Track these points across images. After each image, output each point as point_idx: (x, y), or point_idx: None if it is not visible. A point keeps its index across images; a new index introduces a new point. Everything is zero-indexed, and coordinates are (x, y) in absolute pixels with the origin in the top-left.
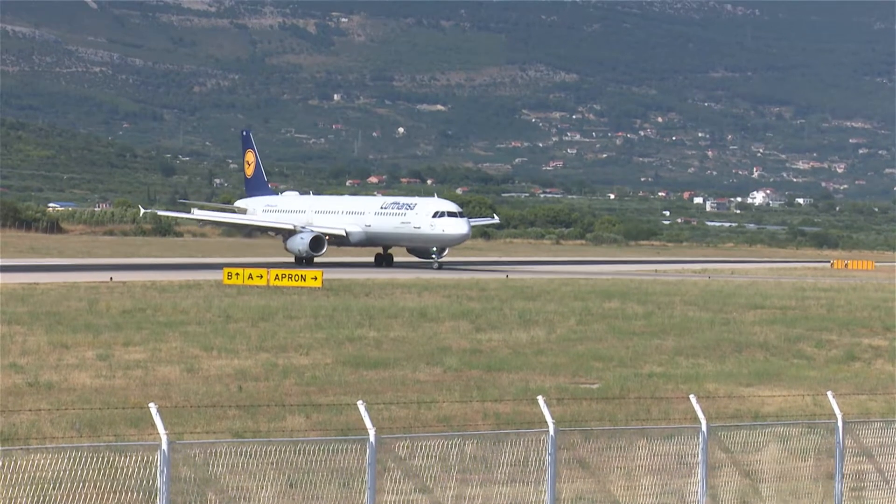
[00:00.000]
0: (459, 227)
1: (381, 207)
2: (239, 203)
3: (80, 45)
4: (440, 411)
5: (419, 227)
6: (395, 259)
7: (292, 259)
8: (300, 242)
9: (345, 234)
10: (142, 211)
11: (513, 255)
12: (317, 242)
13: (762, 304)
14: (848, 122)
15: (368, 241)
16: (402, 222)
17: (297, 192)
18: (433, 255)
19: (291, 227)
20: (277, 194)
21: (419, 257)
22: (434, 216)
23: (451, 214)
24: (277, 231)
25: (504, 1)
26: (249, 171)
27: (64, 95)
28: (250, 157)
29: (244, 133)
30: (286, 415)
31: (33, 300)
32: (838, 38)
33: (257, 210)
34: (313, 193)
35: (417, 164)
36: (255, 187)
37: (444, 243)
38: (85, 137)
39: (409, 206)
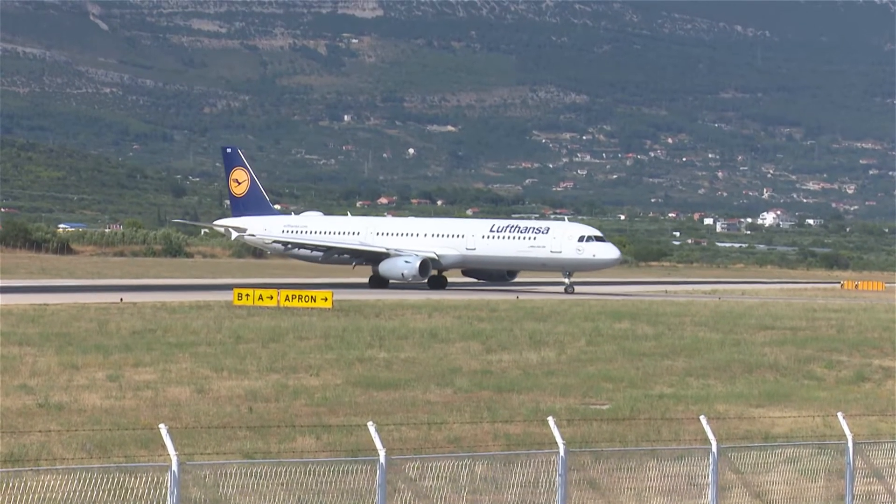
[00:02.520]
0: (611, 251)
1: (493, 230)
2: (229, 222)
3: (90, 65)
4: (450, 432)
5: (559, 252)
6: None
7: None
8: (405, 266)
9: (436, 258)
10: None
11: (528, 276)
12: (424, 267)
13: (772, 325)
14: (858, 142)
15: (466, 264)
16: (532, 246)
17: (320, 213)
18: (566, 279)
19: (384, 250)
20: (282, 214)
21: (481, 278)
22: (580, 240)
23: (597, 239)
24: (363, 255)
25: (514, 22)
26: (240, 189)
27: (74, 116)
28: (241, 174)
29: (228, 150)
30: (296, 436)
31: (43, 321)
32: (848, 59)
33: (272, 230)
34: (322, 214)
35: (428, 184)
36: (250, 206)
37: (595, 268)
38: (95, 158)
39: (540, 230)
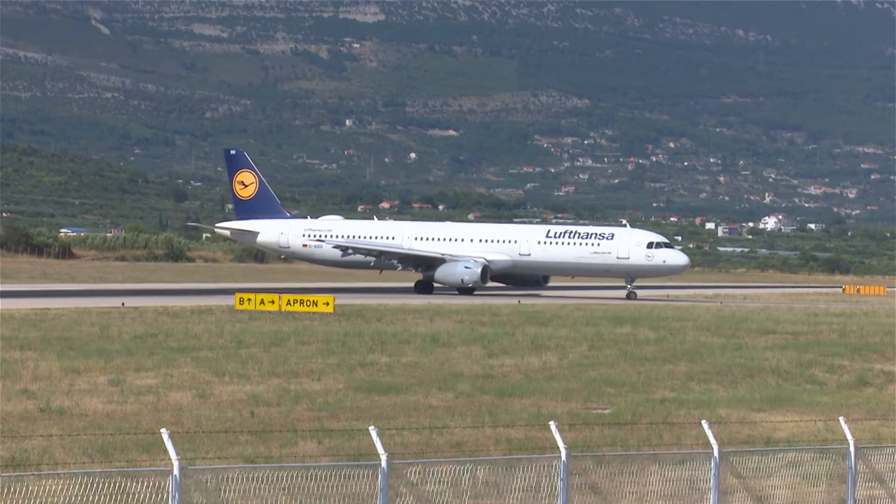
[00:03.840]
0: (681, 257)
1: (549, 236)
2: (235, 225)
3: (92, 70)
4: (452, 437)
5: (627, 258)
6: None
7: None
8: (465, 272)
9: (486, 262)
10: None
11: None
12: (485, 272)
13: (774, 330)
14: (860, 147)
15: (517, 269)
16: (596, 252)
17: (340, 217)
18: (628, 285)
19: (440, 255)
20: (293, 217)
21: (521, 286)
22: (649, 246)
23: (666, 245)
24: (415, 259)
25: (516, 27)
26: (247, 192)
27: (76, 121)
28: (248, 177)
29: (232, 152)
30: (298, 440)
31: (45, 325)
32: (850, 63)
33: (289, 235)
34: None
35: (429, 189)
36: (258, 209)
37: (664, 274)
38: (97, 163)
39: (604, 236)
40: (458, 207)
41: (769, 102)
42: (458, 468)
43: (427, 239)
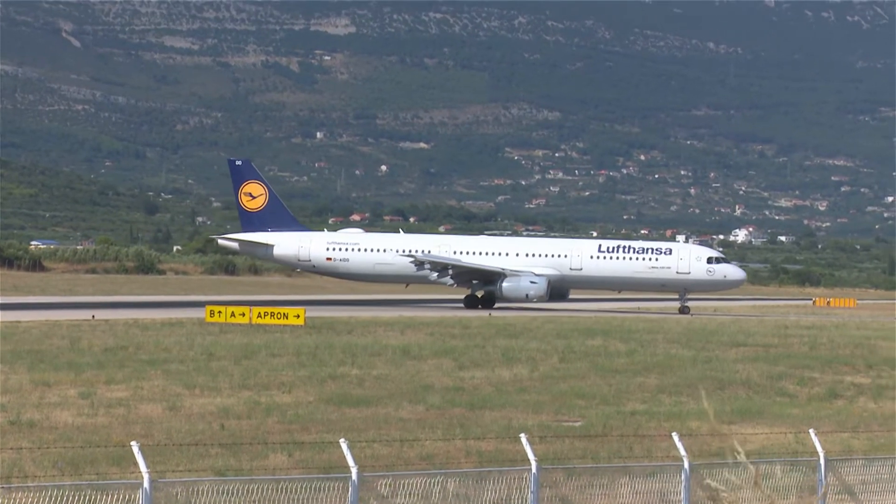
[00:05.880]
0: (739, 272)
1: (601, 250)
2: (245, 237)
3: (62, 82)
4: (423, 449)
5: (687, 273)
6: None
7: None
8: (530, 287)
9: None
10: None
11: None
12: (549, 287)
13: (745, 342)
14: (830, 160)
15: (566, 284)
16: (654, 267)
17: (360, 230)
18: (681, 298)
19: (500, 269)
20: (309, 230)
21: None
22: (710, 262)
23: (724, 260)
24: (475, 273)
25: (487, 39)
26: (256, 203)
27: (46, 133)
28: (256, 188)
29: (238, 163)
30: (268, 453)
31: (15, 338)
32: (821, 76)
33: (310, 248)
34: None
35: (400, 201)
36: (268, 221)
37: (723, 288)
38: (67, 175)
39: (662, 251)
40: (429, 220)
41: (740, 115)
42: (428, 481)
43: (471, 252)
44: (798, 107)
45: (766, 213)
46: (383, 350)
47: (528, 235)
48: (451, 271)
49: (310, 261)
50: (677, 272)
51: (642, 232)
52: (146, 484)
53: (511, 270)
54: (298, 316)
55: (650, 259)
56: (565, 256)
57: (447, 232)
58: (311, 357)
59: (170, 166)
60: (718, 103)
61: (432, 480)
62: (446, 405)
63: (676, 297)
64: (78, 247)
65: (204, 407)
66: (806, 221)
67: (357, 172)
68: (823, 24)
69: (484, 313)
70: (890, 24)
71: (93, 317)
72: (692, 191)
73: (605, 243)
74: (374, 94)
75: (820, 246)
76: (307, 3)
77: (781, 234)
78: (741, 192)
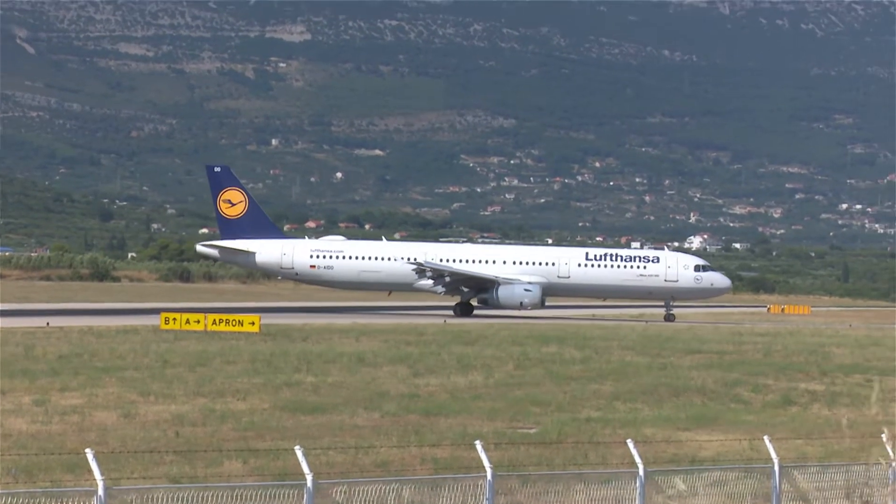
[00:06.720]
0: (725, 280)
1: (589, 258)
2: (225, 244)
3: (17, 89)
4: (378, 456)
5: (675, 281)
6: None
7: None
8: (525, 294)
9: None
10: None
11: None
12: (543, 295)
13: (699, 349)
14: (784, 167)
15: (553, 292)
16: (643, 275)
17: (343, 238)
18: (666, 306)
19: (494, 277)
20: (288, 237)
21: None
22: (697, 270)
23: (710, 269)
24: (472, 281)
25: (442, 46)
26: (235, 210)
27: (0, 140)
28: (235, 195)
29: (217, 169)
30: (223, 460)
31: None
32: (775, 83)
33: (293, 255)
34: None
35: (356, 208)
36: (248, 228)
37: (710, 296)
38: (22, 182)
39: (649, 259)
40: (384, 227)
41: (694, 122)
42: (384, 488)
43: (457, 260)
44: (752, 114)
45: (721, 220)
46: (338, 357)
47: (483, 243)
48: (447, 279)
49: (293, 268)
50: (665, 280)
51: (598, 239)
52: (101, 491)
53: (504, 278)
54: (253, 323)
55: (638, 267)
56: (552, 264)
57: (402, 239)
58: (266, 364)
59: (125, 173)
60: (673, 110)
61: (387, 487)
62: (401, 412)
63: (661, 304)
64: (32, 254)
65: (159, 414)
66: (760, 228)
67: (312, 179)
68: (778, 32)
69: (439, 321)
70: (843, 32)
71: (47, 324)
72: (647, 198)
73: (593, 251)
74: (329, 101)
75: (774, 253)
76: (263, 10)
77: (736, 242)
78: (696, 199)
